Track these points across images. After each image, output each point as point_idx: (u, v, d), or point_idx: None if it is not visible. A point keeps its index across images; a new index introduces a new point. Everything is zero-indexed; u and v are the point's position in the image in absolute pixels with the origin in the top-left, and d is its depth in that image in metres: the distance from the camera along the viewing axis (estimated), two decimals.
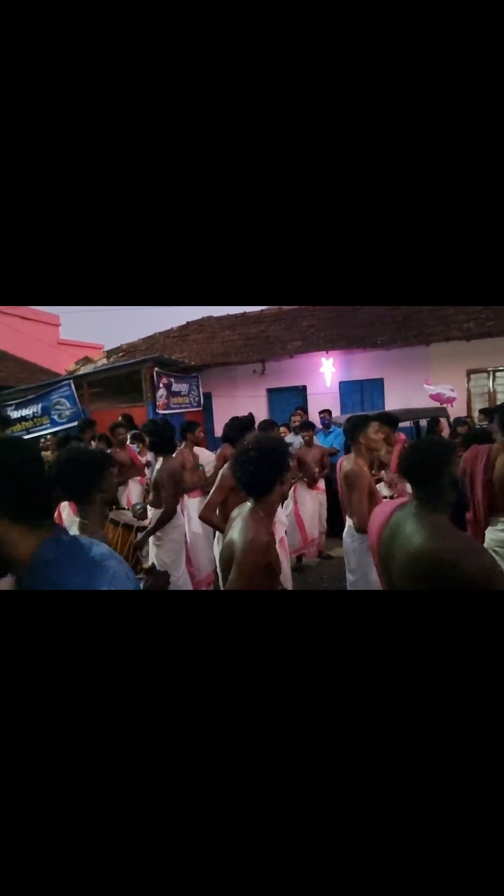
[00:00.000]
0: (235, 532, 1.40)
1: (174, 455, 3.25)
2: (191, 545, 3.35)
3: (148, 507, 2.90)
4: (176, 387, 7.14)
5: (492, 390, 7.25)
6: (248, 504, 1.44)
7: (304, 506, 4.28)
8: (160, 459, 2.95)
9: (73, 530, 3.16)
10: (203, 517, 2.42)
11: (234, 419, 2.66)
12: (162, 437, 2.90)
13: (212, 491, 2.38)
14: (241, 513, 1.45)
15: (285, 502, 3.96)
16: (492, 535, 2.17)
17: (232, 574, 1.32)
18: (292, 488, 4.00)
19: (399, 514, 1.34)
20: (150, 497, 2.98)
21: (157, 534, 2.88)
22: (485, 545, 2.03)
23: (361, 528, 2.17)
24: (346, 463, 2.34)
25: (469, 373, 7.23)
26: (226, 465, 2.41)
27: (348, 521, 2.42)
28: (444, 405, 5.70)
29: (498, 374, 7.20)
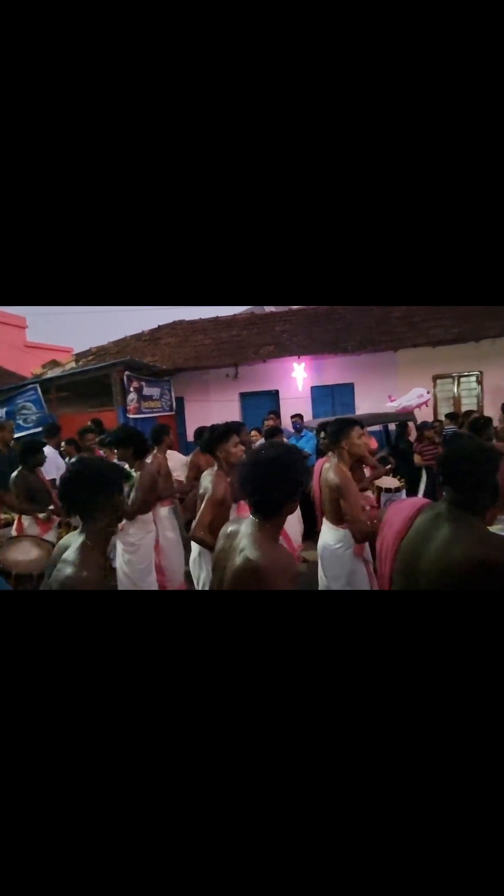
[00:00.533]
0: (249, 553, 1.15)
1: (149, 461, 3.18)
2: (163, 554, 3.27)
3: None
4: (147, 391, 7.04)
5: (457, 395, 7.51)
6: (251, 518, 1.23)
7: None
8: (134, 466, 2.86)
9: (50, 535, 3.09)
10: (196, 538, 2.14)
11: (215, 427, 2.40)
12: (137, 443, 2.81)
13: (201, 508, 2.11)
14: (246, 530, 1.22)
15: None
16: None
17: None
18: None
19: (425, 516, 1.25)
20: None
21: (131, 540, 2.80)
22: None
23: (365, 537, 2.03)
24: (328, 469, 2.23)
25: (435, 378, 7.46)
26: (208, 478, 2.21)
27: (327, 529, 2.33)
28: (417, 409, 5.84)
29: (462, 379, 7.47)
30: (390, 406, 5.98)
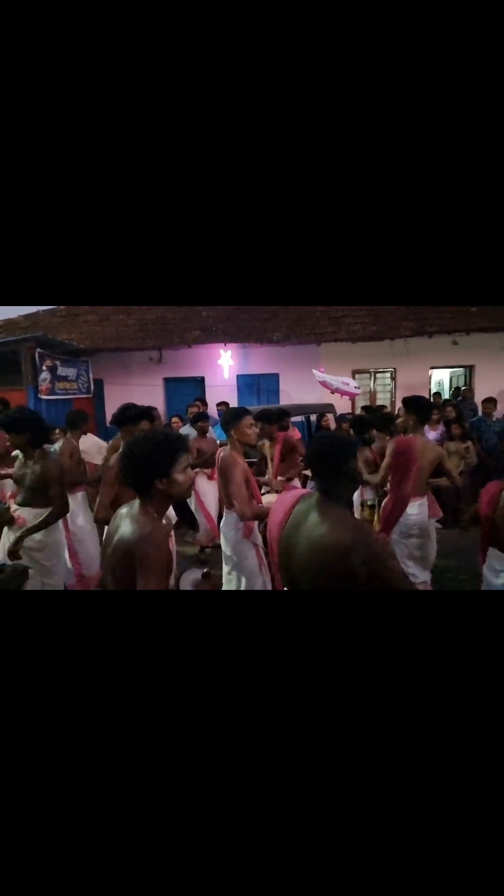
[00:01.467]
0: (125, 529, 1.27)
1: (59, 445, 2.95)
2: (77, 541, 3.09)
3: (13, 506, 2.54)
4: (62, 370, 6.52)
5: (372, 390, 7.98)
6: (138, 500, 1.33)
7: (207, 497, 4.23)
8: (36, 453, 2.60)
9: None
10: (100, 519, 2.21)
11: (126, 406, 2.47)
12: (35, 430, 2.52)
13: (101, 488, 2.21)
14: (130, 509, 1.34)
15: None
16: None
17: (140, 580, 1.16)
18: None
19: (301, 505, 1.35)
20: (21, 495, 2.60)
21: (38, 537, 2.57)
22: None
23: (247, 516, 2.20)
24: (221, 454, 2.37)
25: (354, 373, 7.85)
26: (113, 458, 2.25)
27: (225, 513, 2.44)
28: (345, 397, 6.05)
29: (378, 375, 7.95)
30: (318, 375, 6.15)
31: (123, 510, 1.38)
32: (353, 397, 6.15)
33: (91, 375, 7.28)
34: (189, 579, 1.34)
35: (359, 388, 6.19)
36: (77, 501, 3.14)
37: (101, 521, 2.21)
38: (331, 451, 1.29)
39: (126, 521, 1.30)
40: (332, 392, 6.00)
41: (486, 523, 1.95)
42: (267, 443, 3.22)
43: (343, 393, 5.97)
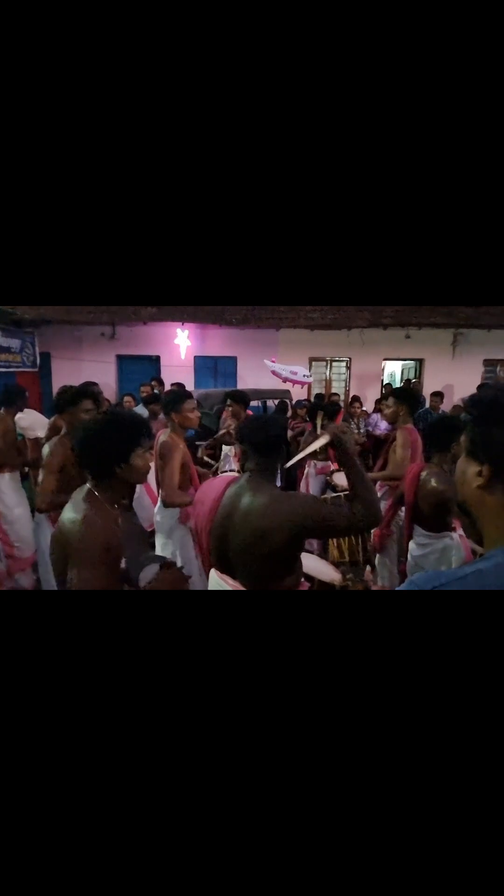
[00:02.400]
0: (65, 516, 1.21)
1: None
2: (7, 521, 2.92)
3: None
4: (4, 341, 6.07)
5: (328, 378, 8.11)
6: (87, 485, 1.25)
7: (153, 480, 4.13)
8: None
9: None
10: (42, 509, 2.08)
11: (62, 389, 2.34)
12: None
13: (42, 475, 2.07)
14: (77, 495, 1.26)
15: None
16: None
17: (72, 573, 1.12)
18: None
19: (233, 489, 1.36)
20: None
21: None
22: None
23: (169, 503, 2.14)
24: (161, 436, 2.26)
25: (311, 360, 7.93)
26: (53, 441, 2.11)
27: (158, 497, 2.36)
28: (297, 385, 6.09)
29: (334, 363, 8.08)
30: (269, 365, 6.15)
31: (74, 495, 1.28)
32: (303, 386, 6.20)
33: (37, 348, 6.83)
34: (147, 576, 1.28)
35: (309, 376, 6.24)
36: (6, 482, 2.97)
37: (45, 510, 2.09)
38: (263, 430, 1.32)
39: (67, 508, 1.22)
40: (283, 381, 6.04)
41: (409, 503, 2.05)
42: (235, 423, 3.15)
43: (293, 382, 6.02)
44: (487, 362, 7.86)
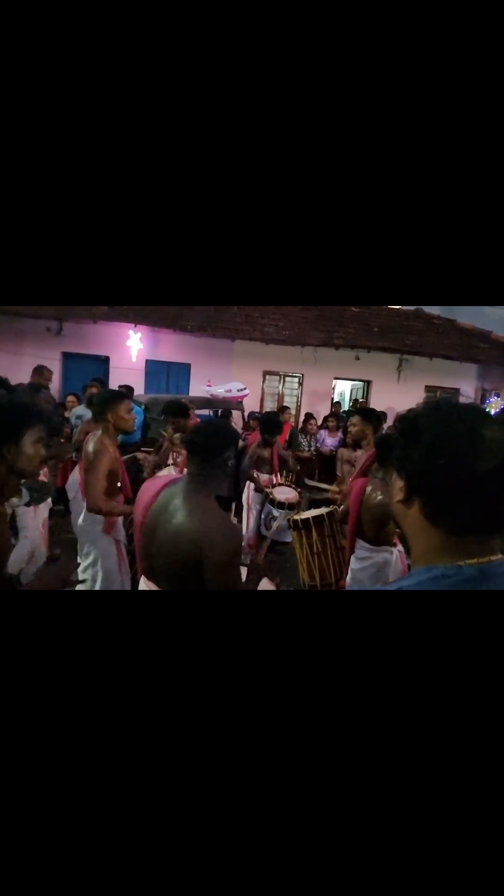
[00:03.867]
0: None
1: None
2: None
3: None
4: None
5: (281, 392, 8.21)
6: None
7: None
8: None
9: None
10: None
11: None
12: None
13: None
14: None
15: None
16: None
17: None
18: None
19: (169, 490, 1.32)
20: None
21: None
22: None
23: (93, 509, 1.99)
24: (90, 438, 2.10)
25: (265, 373, 8.00)
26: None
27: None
28: (234, 399, 6.08)
29: (287, 378, 8.20)
30: (206, 390, 6.10)
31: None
32: (240, 399, 6.21)
33: None
34: (30, 572, 1.16)
35: (245, 389, 6.26)
36: None
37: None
38: (213, 436, 1.28)
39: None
40: (223, 399, 6.00)
41: (353, 516, 2.07)
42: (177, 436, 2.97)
43: (232, 398, 6.03)
44: (429, 388, 8.33)
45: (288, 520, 2.76)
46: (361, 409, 2.90)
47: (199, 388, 7.31)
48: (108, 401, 2.12)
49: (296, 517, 2.70)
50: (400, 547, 2.06)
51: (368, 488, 2.01)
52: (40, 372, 4.26)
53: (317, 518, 2.63)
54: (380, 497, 1.94)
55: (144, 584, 1.32)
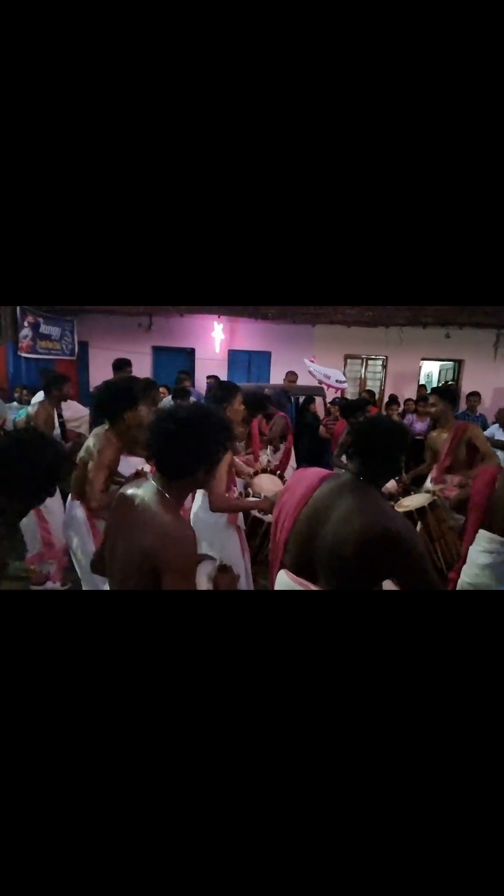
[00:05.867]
0: (142, 522, 1.04)
1: (34, 411, 2.87)
2: (47, 509, 2.99)
3: None
4: (45, 328, 6.22)
5: (363, 376, 7.95)
6: (151, 483, 1.10)
7: None
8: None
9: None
10: (96, 508, 1.98)
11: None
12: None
13: (93, 472, 1.95)
14: (143, 496, 1.09)
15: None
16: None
17: (171, 582, 0.98)
18: None
19: (328, 486, 1.27)
20: None
21: None
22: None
23: (218, 507, 1.98)
24: (91, 435, 2.08)
25: (346, 357, 7.78)
26: (98, 434, 2.02)
27: (200, 495, 2.20)
28: (331, 388, 6.01)
29: (370, 361, 7.91)
30: (307, 365, 6.08)
31: (129, 490, 1.14)
32: (336, 391, 6.10)
33: (76, 337, 6.98)
34: (204, 571, 1.19)
35: (344, 382, 6.13)
36: None
37: (98, 509, 1.97)
38: (389, 435, 1.24)
39: (138, 514, 1.07)
40: (318, 383, 5.95)
41: (478, 507, 1.96)
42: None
43: (327, 386, 5.93)
44: None
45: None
46: (438, 388, 2.82)
47: (279, 377, 7.35)
48: (226, 395, 2.17)
49: (404, 509, 2.64)
50: None
51: (499, 476, 1.89)
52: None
53: (421, 509, 2.57)
54: None
55: (287, 580, 1.26)
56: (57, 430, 3.19)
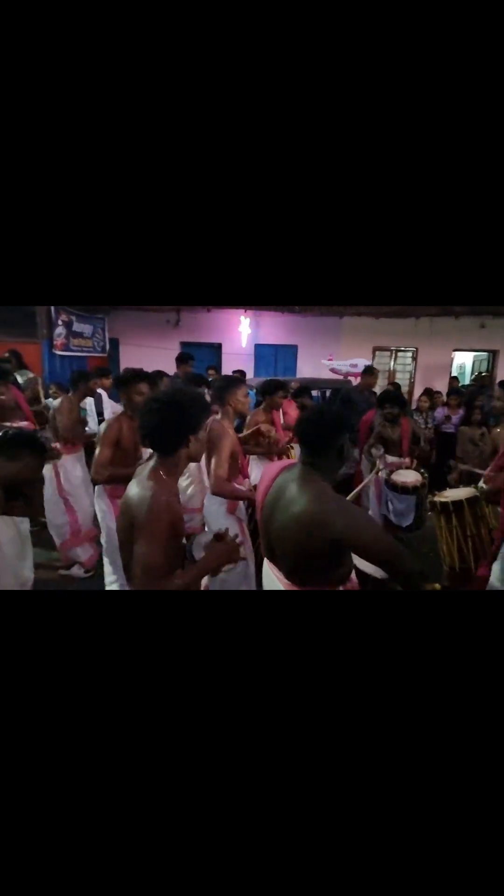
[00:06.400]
0: (132, 493, 1.25)
1: (58, 403, 3.12)
2: (73, 496, 3.15)
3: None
4: (78, 327, 6.44)
5: (392, 369, 7.79)
6: (150, 463, 1.29)
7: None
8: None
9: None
10: (98, 481, 2.24)
11: (129, 369, 2.43)
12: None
13: (98, 449, 2.18)
14: (140, 472, 1.30)
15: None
16: None
17: (140, 548, 1.15)
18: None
19: (284, 475, 1.35)
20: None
21: None
22: None
23: (216, 491, 2.12)
24: (211, 424, 2.22)
25: (375, 349, 7.64)
26: (109, 418, 2.27)
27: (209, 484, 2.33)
28: (349, 378, 5.95)
29: (399, 354, 7.73)
30: (326, 364, 6.03)
31: (138, 471, 1.33)
32: (356, 378, 6.01)
33: (107, 334, 7.18)
34: (201, 542, 1.29)
35: (356, 367, 6.04)
36: (71, 459, 3.16)
37: (99, 482, 2.24)
38: (320, 424, 1.27)
39: (132, 486, 1.27)
40: (345, 377, 5.88)
41: None
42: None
43: (356, 376, 5.85)
44: None
45: (431, 502, 2.69)
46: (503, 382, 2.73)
47: (306, 368, 7.31)
48: (226, 387, 2.28)
49: (442, 499, 2.63)
50: None
51: None
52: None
53: (470, 500, 2.55)
54: None
55: (268, 566, 1.36)
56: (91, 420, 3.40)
